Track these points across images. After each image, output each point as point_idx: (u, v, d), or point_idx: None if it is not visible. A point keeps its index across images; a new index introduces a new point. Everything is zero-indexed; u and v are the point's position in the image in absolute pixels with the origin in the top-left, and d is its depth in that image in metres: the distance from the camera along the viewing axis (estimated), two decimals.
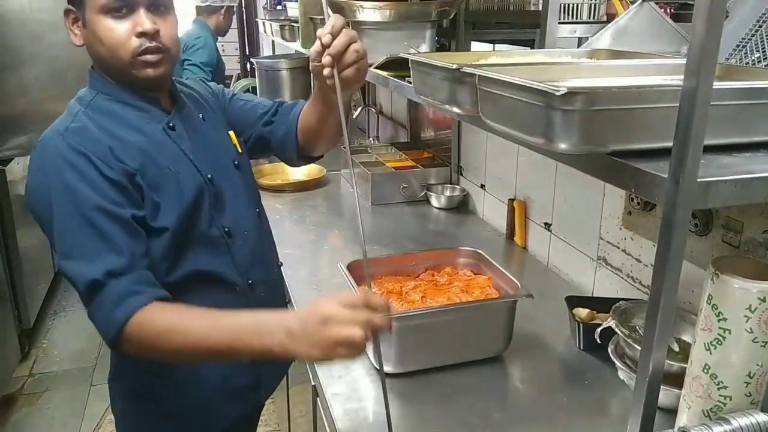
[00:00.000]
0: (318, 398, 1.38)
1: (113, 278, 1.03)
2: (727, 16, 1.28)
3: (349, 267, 1.44)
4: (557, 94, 0.80)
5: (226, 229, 1.23)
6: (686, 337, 1.24)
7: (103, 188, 1.06)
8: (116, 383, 1.31)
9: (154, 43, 1.13)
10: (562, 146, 0.85)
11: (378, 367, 1.27)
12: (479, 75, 1.01)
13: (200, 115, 1.31)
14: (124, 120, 1.16)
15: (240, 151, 1.36)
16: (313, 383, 1.40)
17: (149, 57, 1.13)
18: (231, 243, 1.24)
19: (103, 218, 1.05)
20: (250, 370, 1.31)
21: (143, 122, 1.18)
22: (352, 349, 0.94)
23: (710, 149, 0.83)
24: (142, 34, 1.12)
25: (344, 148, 1.33)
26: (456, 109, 1.16)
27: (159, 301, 1.04)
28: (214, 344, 1.00)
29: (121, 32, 1.11)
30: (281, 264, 1.49)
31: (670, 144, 0.75)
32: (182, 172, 1.18)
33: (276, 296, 1.41)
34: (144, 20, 1.12)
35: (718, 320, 0.90)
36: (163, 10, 1.16)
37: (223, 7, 3.64)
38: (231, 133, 1.37)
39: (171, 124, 1.21)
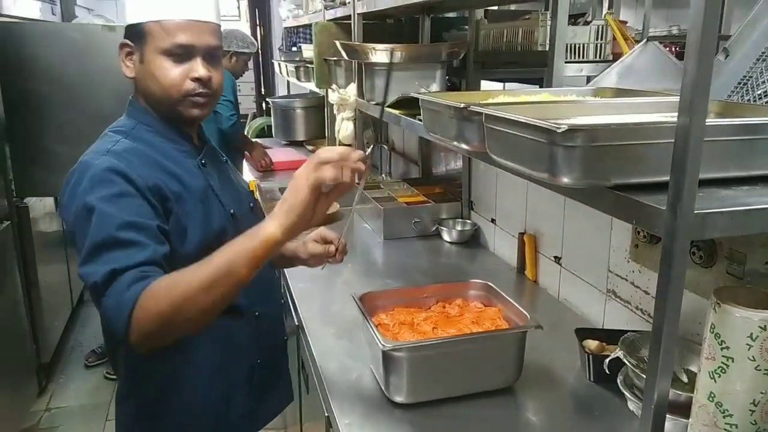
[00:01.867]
0: (331, 429, 1.40)
1: (131, 269, 1.04)
2: (727, 55, 1.32)
3: (362, 299, 1.48)
4: (559, 131, 0.84)
5: None
6: (695, 368, 1.25)
7: (137, 204, 1.12)
8: (123, 405, 1.34)
9: (205, 89, 1.24)
10: (565, 180, 0.89)
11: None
12: (486, 113, 1.06)
13: (224, 158, 1.43)
14: (163, 151, 1.25)
15: (255, 197, 1.43)
16: (326, 414, 1.42)
17: (198, 99, 1.24)
18: None
19: (132, 231, 1.08)
20: (245, 402, 1.38)
21: (180, 155, 1.27)
22: (335, 168, 1.02)
23: (709, 183, 0.87)
24: (196, 79, 1.23)
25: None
26: (464, 146, 1.21)
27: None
28: (215, 271, 1.00)
29: (177, 74, 1.22)
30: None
31: (668, 178, 0.78)
32: (211, 206, 1.26)
33: (278, 328, 1.50)
34: (200, 67, 1.23)
35: (721, 349, 0.92)
36: (215, 61, 1.27)
37: (229, 51, 3.77)
38: (251, 181, 1.45)
39: (203, 161, 1.31)
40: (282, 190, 3.32)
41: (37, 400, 3.23)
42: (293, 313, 1.90)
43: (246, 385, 1.38)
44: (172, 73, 1.22)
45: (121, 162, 1.15)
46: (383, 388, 1.37)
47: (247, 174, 3.89)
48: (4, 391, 2.87)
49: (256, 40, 8.12)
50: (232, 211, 1.31)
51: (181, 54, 1.21)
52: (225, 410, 1.35)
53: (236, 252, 1.02)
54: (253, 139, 4.66)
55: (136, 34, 1.23)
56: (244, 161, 4.04)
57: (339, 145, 3.15)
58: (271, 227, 1.02)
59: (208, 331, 1.17)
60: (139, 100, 1.29)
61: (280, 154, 4.20)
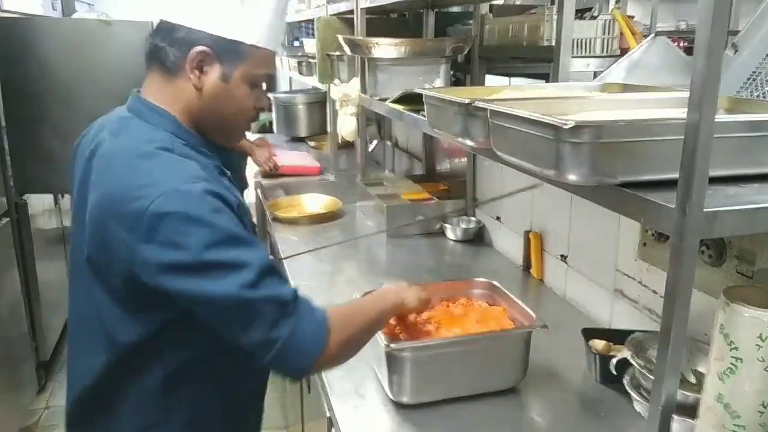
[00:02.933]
0: (333, 429, 1.38)
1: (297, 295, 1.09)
2: (736, 50, 1.30)
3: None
4: (565, 127, 0.83)
5: None
6: (703, 369, 1.23)
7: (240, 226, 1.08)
8: None
9: (257, 118, 1.26)
10: (572, 178, 0.87)
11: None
12: (491, 109, 1.04)
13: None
14: (208, 168, 1.14)
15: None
16: (328, 415, 1.41)
17: (248, 127, 1.27)
18: None
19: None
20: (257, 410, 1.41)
21: (216, 172, 1.17)
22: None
23: (718, 180, 0.85)
24: (260, 109, 1.22)
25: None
26: (469, 142, 1.19)
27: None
28: (377, 317, 1.23)
29: (251, 102, 1.19)
30: None
31: (677, 175, 0.77)
32: (246, 218, 1.18)
33: None
34: (265, 97, 1.23)
35: (730, 349, 0.90)
36: None
37: None
38: None
39: (229, 176, 1.23)
40: (284, 187, 3.31)
41: (37, 397, 3.22)
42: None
43: (258, 400, 1.41)
44: (249, 100, 1.18)
45: (210, 187, 1.04)
46: (386, 388, 1.35)
47: (251, 177, 3.80)
48: (4, 389, 2.87)
49: None
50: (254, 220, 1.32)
51: (260, 84, 1.20)
52: (245, 415, 1.36)
53: (385, 312, 1.28)
54: (256, 137, 4.60)
55: (228, 50, 1.13)
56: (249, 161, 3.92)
57: (341, 140, 3.14)
58: (395, 305, 1.31)
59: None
60: (171, 107, 1.15)
61: (286, 156, 3.97)
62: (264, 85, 1.22)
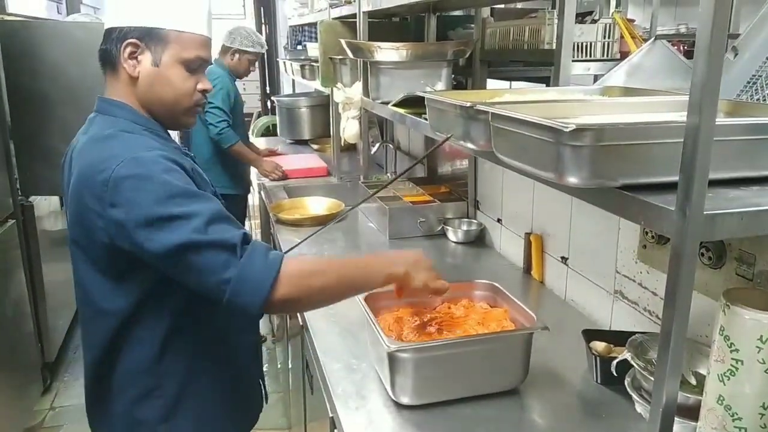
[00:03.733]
0: (335, 430, 1.39)
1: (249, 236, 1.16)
2: (736, 54, 1.31)
3: (367, 299, 1.47)
4: (566, 130, 0.83)
5: None
6: (703, 371, 1.24)
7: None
8: (143, 407, 1.31)
9: (204, 100, 1.34)
10: (573, 180, 0.88)
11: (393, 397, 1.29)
12: (492, 112, 1.05)
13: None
14: (168, 148, 1.26)
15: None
16: (330, 415, 1.42)
17: (199, 109, 1.35)
18: None
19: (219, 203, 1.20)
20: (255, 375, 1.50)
21: (179, 153, 1.29)
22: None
23: (718, 183, 0.86)
24: (203, 91, 1.32)
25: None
26: (470, 145, 1.20)
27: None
28: (351, 278, 1.25)
29: (191, 85, 1.30)
30: None
31: (677, 178, 0.77)
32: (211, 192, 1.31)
33: None
34: (206, 81, 1.33)
35: (731, 351, 0.91)
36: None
37: (231, 48, 3.64)
38: None
39: (192, 157, 1.35)
40: (287, 189, 3.32)
41: (42, 398, 3.23)
42: (297, 313, 1.90)
43: (255, 361, 1.49)
44: (187, 82, 1.29)
45: (168, 156, 1.18)
46: (388, 389, 1.36)
47: (254, 179, 3.79)
48: (9, 390, 2.88)
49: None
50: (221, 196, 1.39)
51: (196, 67, 1.29)
52: (240, 387, 1.43)
53: (373, 277, 1.27)
54: (259, 141, 4.58)
55: (151, 36, 1.24)
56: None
57: (344, 143, 3.15)
58: (392, 269, 1.29)
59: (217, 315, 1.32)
60: (125, 99, 1.29)
61: (292, 159, 4.00)
62: (203, 72, 1.32)
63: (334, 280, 1.21)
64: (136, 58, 1.26)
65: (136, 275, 1.22)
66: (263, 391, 1.55)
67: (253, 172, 3.77)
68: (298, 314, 1.89)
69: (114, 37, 1.26)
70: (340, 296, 1.25)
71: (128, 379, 1.30)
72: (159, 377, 1.29)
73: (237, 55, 3.63)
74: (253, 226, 4.75)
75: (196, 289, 1.15)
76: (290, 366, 2.53)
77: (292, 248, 1.92)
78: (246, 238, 1.14)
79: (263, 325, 3.94)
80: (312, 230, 2.64)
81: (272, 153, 4.16)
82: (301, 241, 1.88)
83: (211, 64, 1.33)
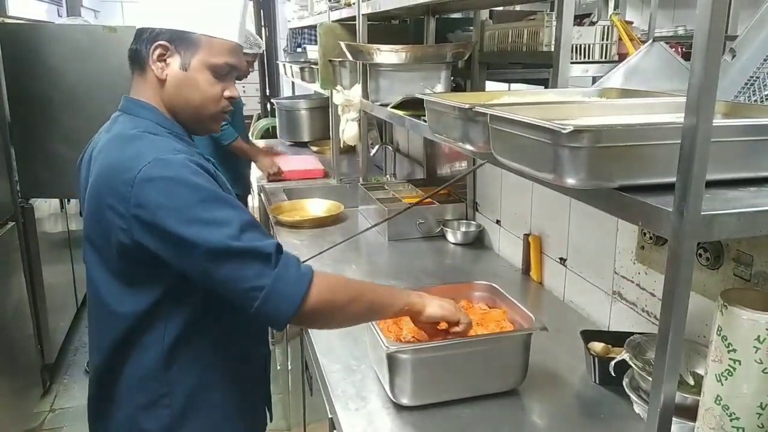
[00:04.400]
0: (334, 431, 1.39)
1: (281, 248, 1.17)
2: (734, 55, 1.32)
3: None
4: (564, 132, 0.84)
5: None
6: (701, 371, 1.24)
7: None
8: (150, 415, 1.27)
9: (231, 108, 1.34)
10: (571, 182, 0.88)
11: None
12: (491, 114, 1.06)
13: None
14: (191, 152, 1.24)
15: None
16: (330, 416, 1.42)
17: (225, 115, 1.34)
18: None
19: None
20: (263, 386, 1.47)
21: (199, 156, 1.27)
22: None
23: (716, 184, 0.86)
24: (230, 98, 1.31)
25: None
26: (469, 147, 1.20)
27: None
28: (376, 300, 1.27)
29: (218, 90, 1.29)
30: None
31: (674, 179, 0.78)
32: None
33: None
34: (234, 89, 1.32)
35: (728, 351, 0.91)
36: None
37: None
38: None
39: (213, 162, 1.33)
40: (286, 191, 3.32)
41: (41, 400, 3.24)
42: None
43: (264, 371, 1.47)
44: (215, 88, 1.28)
45: (194, 161, 1.16)
46: (387, 390, 1.36)
47: (254, 181, 3.81)
48: (9, 392, 2.88)
49: (261, 40, 8.11)
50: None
51: (224, 74, 1.28)
52: (249, 396, 1.40)
53: (395, 302, 1.29)
54: (259, 143, 4.60)
55: (182, 40, 1.23)
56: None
57: (343, 145, 3.16)
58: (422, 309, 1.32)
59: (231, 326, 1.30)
60: (151, 101, 1.28)
61: (290, 161, 4.01)
62: (233, 79, 1.32)
63: (359, 299, 1.24)
64: (164, 60, 1.25)
65: (150, 280, 1.20)
66: (269, 413, 1.52)
67: (253, 173, 3.78)
68: None
69: (144, 37, 1.25)
70: (361, 316, 1.28)
71: (135, 385, 1.26)
72: (167, 385, 1.25)
73: None
74: None
75: (223, 294, 1.14)
76: (290, 367, 2.53)
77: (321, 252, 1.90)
78: (279, 248, 1.14)
79: None
80: (311, 231, 2.66)
81: (271, 152, 4.18)
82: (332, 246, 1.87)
83: (242, 71, 1.33)
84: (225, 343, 1.31)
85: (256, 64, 3.84)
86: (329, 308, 1.18)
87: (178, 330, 1.23)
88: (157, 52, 1.24)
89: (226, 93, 1.30)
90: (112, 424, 1.30)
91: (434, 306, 1.33)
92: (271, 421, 1.53)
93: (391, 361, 1.31)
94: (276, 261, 1.12)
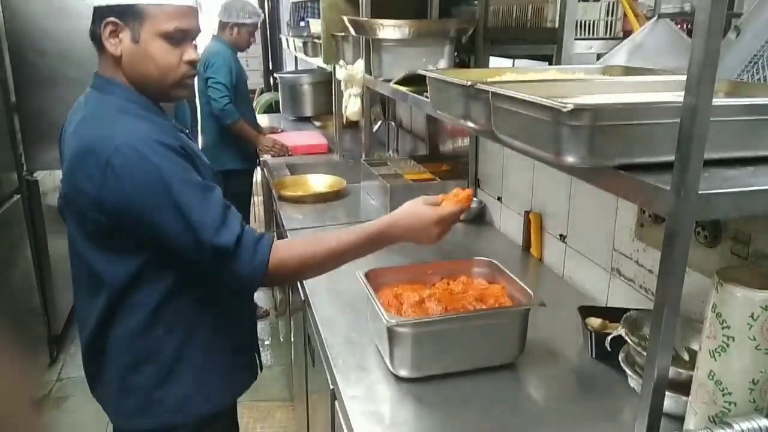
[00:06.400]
0: (336, 401, 1.42)
1: (245, 232, 1.23)
2: (738, 33, 1.31)
3: (367, 275, 1.49)
4: (564, 110, 0.85)
5: None
6: (696, 347, 1.26)
7: (193, 171, 1.23)
8: (137, 374, 1.35)
9: (193, 71, 1.33)
10: (570, 160, 0.89)
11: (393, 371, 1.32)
12: (492, 91, 1.06)
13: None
14: (162, 126, 1.29)
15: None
16: (331, 387, 1.45)
17: (188, 81, 1.33)
18: None
19: (215, 190, 1.24)
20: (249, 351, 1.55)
21: (173, 130, 1.32)
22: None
23: (714, 163, 0.87)
24: (190, 63, 1.30)
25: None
26: (471, 124, 1.21)
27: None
28: (345, 249, 1.31)
29: (174, 58, 1.28)
30: None
31: (673, 158, 0.79)
32: (207, 169, 1.35)
33: None
34: (192, 51, 1.31)
35: (722, 328, 0.93)
36: (196, 42, 1.34)
37: (228, 23, 3.64)
38: None
39: (187, 133, 1.38)
40: (290, 167, 3.33)
41: (49, 370, 3.29)
42: (299, 288, 1.92)
43: (249, 326, 1.54)
44: (170, 56, 1.27)
45: (160, 140, 1.20)
46: (388, 362, 1.39)
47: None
48: (17, 362, 2.88)
49: (264, 13, 8.03)
50: (215, 170, 1.43)
51: (180, 38, 1.27)
52: (235, 350, 1.46)
53: (353, 245, 1.31)
54: (262, 119, 4.57)
55: (128, 13, 1.24)
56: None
57: (346, 120, 3.15)
58: (389, 239, 1.36)
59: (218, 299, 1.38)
60: (116, 77, 1.29)
61: (293, 136, 4.00)
62: (190, 42, 1.31)
63: (318, 251, 1.29)
64: (117, 36, 1.25)
65: (132, 248, 1.26)
66: (258, 362, 1.59)
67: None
68: (300, 289, 1.92)
69: (96, 16, 1.26)
70: (328, 263, 1.33)
71: (122, 345, 1.33)
72: (153, 344, 1.32)
73: (236, 29, 3.63)
74: (256, 202, 4.78)
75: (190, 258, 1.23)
76: (292, 340, 2.56)
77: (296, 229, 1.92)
78: (239, 239, 1.20)
79: (266, 300, 3.98)
80: (314, 206, 2.67)
81: (273, 132, 4.17)
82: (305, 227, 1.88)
83: (200, 31, 1.32)
84: (209, 301, 1.37)
85: (258, 38, 3.81)
86: (287, 276, 1.36)
87: (162, 292, 1.29)
88: (108, 28, 1.25)
89: (185, 57, 1.29)
90: (105, 382, 1.39)
91: (401, 237, 1.36)
92: (261, 370, 1.60)
93: (392, 334, 1.33)
94: (234, 253, 1.20)
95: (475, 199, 2.55)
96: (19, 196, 3.04)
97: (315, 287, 1.84)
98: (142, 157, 1.17)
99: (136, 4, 1.23)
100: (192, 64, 1.31)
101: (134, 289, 1.28)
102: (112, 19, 1.24)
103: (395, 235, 1.35)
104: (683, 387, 1.11)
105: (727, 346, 0.94)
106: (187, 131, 1.42)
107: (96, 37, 1.28)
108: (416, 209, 1.35)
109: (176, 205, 1.17)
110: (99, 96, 1.30)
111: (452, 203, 1.36)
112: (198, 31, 1.32)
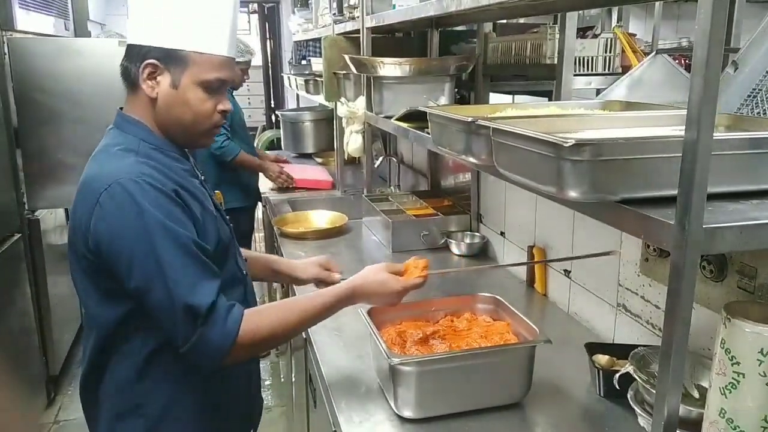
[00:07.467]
0: None
1: (219, 298, 1.19)
2: (736, 68, 1.32)
3: (370, 312, 1.47)
4: (566, 145, 0.85)
5: (244, 272, 1.43)
6: (706, 383, 1.23)
7: (187, 224, 1.20)
8: (125, 424, 1.31)
9: (224, 120, 1.33)
10: (573, 194, 0.89)
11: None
12: (493, 127, 1.06)
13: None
14: (173, 169, 1.27)
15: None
16: (333, 429, 1.42)
17: (216, 130, 1.34)
18: (246, 282, 1.43)
19: (198, 250, 1.19)
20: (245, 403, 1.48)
21: (185, 173, 1.30)
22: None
23: (718, 197, 0.86)
24: (223, 112, 1.31)
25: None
26: (472, 159, 1.21)
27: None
28: (306, 318, 1.31)
29: (210, 106, 1.28)
30: None
31: (676, 192, 0.78)
32: (218, 220, 1.33)
33: None
34: (227, 102, 1.31)
35: (732, 364, 0.91)
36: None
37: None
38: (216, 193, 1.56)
39: (204, 179, 1.36)
40: (291, 203, 3.33)
41: (46, 412, 3.24)
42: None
43: (245, 389, 1.46)
44: (206, 104, 1.27)
45: (157, 183, 1.18)
46: (391, 402, 1.36)
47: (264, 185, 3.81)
48: (14, 403, 2.88)
49: (266, 53, 8.17)
50: (232, 225, 1.41)
51: (217, 88, 1.27)
52: (226, 414, 1.40)
53: (323, 307, 1.33)
54: (269, 155, 4.60)
55: (172, 58, 1.23)
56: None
57: (347, 156, 3.17)
58: (355, 301, 1.38)
59: None
60: (143, 118, 1.28)
61: (298, 170, 4.00)
62: (224, 92, 1.31)
63: (285, 324, 1.28)
64: (155, 78, 1.24)
65: (121, 291, 1.21)
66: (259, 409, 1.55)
67: (262, 184, 3.78)
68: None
69: (134, 54, 1.25)
70: (293, 332, 1.37)
71: (112, 393, 1.30)
72: (142, 396, 1.28)
73: None
74: (257, 238, 4.78)
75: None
76: (293, 379, 2.53)
77: None
78: (212, 305, 1.16)
79: None
80: (315, 243, 2.67)
81: (279, 160, 4.18)
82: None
83: (234, 82, 1.34)
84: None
85: (261, 76, 3.85)
86: (260, 346, 1.29)
87: (152, 344, 1.26)
88: (147, 70, 1.23)
89: (219, 107, 1.29)
90: (97, 429, 1.36)
91: (367, 300, 1.40)
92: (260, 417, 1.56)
93: (395, 373, 1.31)
94: (207, 316, 1.16)
95: (477, 234, 2.55)
96: (20, 235, 3.04)
97: (317, 325, 1.82)
98: (130, 197, 1.15)
99: (180, 50, 1.22)
100: (225, 114, 1.31)
101: (123, 336, 1.25)
102: (152, 61, 1.23)
103: (361, 298, 1.39)
104: (694, 425, 1.08)
105: (738, 382, 0.92)
106: (201, 178, 1.39)
107: (129, 75, 1.26)
108: (383, 277, 1.39)
109: (155, 254, 1.14)
110: (117, 132, 1.29)
111: (416, 273, 1.43)
112: (234, 82, 1.33)
